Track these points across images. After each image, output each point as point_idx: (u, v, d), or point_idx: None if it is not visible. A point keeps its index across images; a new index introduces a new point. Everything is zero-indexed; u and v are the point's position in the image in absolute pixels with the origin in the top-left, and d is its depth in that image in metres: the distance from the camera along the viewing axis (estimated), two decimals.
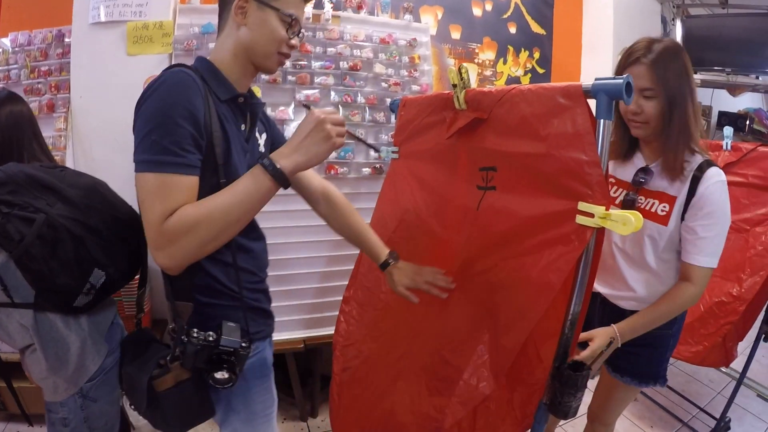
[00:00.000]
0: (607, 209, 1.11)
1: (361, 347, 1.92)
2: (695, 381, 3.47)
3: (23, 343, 1.41)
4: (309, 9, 2.61)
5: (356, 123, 2.73)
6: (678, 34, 4.11)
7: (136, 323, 1.55)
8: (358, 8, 2.90)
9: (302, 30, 1.32)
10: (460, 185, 1.60)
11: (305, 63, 2.62)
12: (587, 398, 1.56)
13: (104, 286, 1.42)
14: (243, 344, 1.22)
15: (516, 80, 3.81)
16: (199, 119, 1.09)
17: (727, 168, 2.73)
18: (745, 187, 2.69)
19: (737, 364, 2.84)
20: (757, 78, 4.08)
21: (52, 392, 1.46)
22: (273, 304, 1.48)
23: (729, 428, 2.85)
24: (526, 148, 1.33)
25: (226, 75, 1.24)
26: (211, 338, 1.18)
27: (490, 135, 1.47)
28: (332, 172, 2.67)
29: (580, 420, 2.11)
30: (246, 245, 1.31)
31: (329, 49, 2.70)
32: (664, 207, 1.57)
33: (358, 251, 2.05)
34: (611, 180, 1.73)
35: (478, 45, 3.60)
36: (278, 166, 1.10)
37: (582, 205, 1.15)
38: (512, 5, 3.70)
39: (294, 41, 1.28)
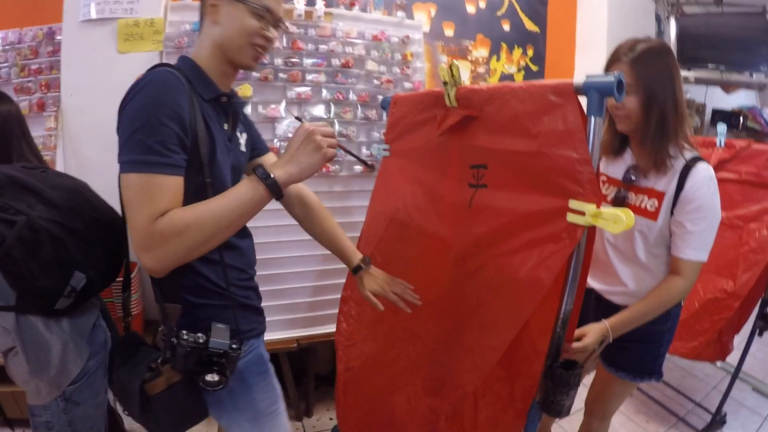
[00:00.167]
0: (598, 207, 1.11)
1: (362, 347, 1.93)
2: (691, 376, 3.47)
3: (5, 346, 1.40)
4: (301, 6, 2.59)
5: (348, 120, 2.72)
6: (672, 32, 4.11)
7: (124, 327, 1.54)
8: (351, 5, 2.88)
9: (282, 22, 1.31)
10: (451, 183, 1.60)
11: (297, 60, 2.60)
12: (583, 393, 1.56)
13: (85, 288, 1.41)
14: (233, 345, 1.21)
15: (509, 77, 3.79)
16: (184, 119, 1.08)
17: (720, 165, 2.74)
18: (738, 184, 2.70)
19: (732, 358, 2.85)
20: (751, 76, 4.10)
21: (34, 395, 1.45)
22: (265, 304, 1.48)
23: (725, 422, 2.86)
24: (516, 145, 1.32)
25: (209, 73, 1.24)
26: (200, 340, 1.17)
27: (481, 132, 1.46)
28: (324, 170, 2.65)
29: (577, 415, 2.11)
30: (233, 243, 1.30)
31: (321, 47, 2.67)
32: (653, 203, 1.59)
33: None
34: (602, 178, 1.75)
35: (472, 42, 3.58)
36: (273, 177, 1.10)
37: (573, 203, 1.15)
38: (506, 2, 3.68)
39: (270, 33, 1.26)
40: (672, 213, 1.55)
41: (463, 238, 1.52)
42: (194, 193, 1.11)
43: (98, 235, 1.43)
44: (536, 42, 3.89)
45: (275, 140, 2.55)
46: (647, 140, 1.56)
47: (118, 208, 1.57)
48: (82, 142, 2.54)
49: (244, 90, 2.43)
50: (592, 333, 1.50)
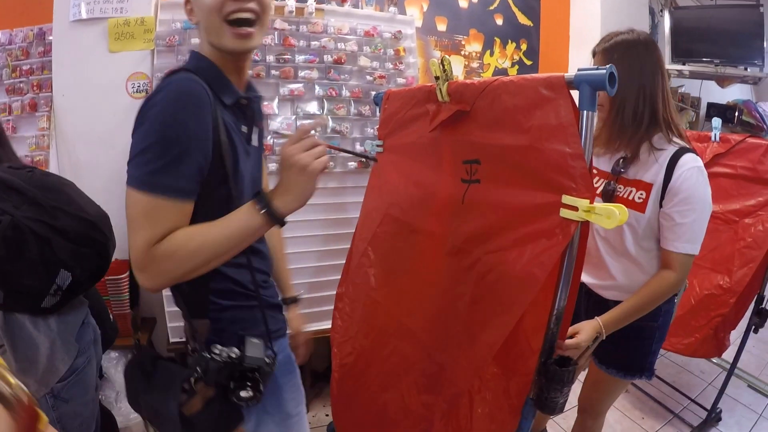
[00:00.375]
0: (591, 202, 1.09)
1: (355, 344, 1.92)
2: (686, 372, 3.48)
3: None
4: (292, 3, 2.58)
5: (341, 117, 2.71)
6: (666, 25, 4.11)
7: (135, 344, 1.51)
8: (342, 1, 2.87)
9: None
10: (444, 178, 1.59)
11: (289, 57, 2.59)
12: (577, 389, 1.55)
13: (71, 286, 1.40)
14: (267, 361, 1.18)
15: (503, 72, 3.77)
16: (205, 138, 1.04)
17: (715, 159, 2.74)
18: (733, 179, 2.70)
19: (728, 355, 2.85)
20: (746, 69, 4.09)
21: None
22: None
23: (720, 419, 2.86)
24: (509, 140, 1.31)
25: (225, 71, 1.17)
26: (234, 355, 1.15)
27: (473, 127, 1.45)
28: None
29: (572, 411, 2.11)
30: (258, 248, 1.30)
31: (313, 43, 2.66)
32: (641, 194, 1.59)
33: (348, 246, 2.04)
34: (593, 170, 1.74)
35: (465, 37, 3.57)
36: (273, 208, 1.04)
37: (566, 199, 1.14)
38: None
39: None
40: (660, 205, 1.55)
41: (457, 233, 1.51)
42: (218, 206, 1.08)
43: (84, 233, 1.42)
44: (530, 36, 3.88)
45: (269, 137, 2.53)
46: (615, 130, 1.59)
47: (108, 207, 1.57)
48: (75, 142, 2.53)
49: None
50: (585, 330, 1.49)
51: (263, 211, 1.04)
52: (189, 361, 1.24)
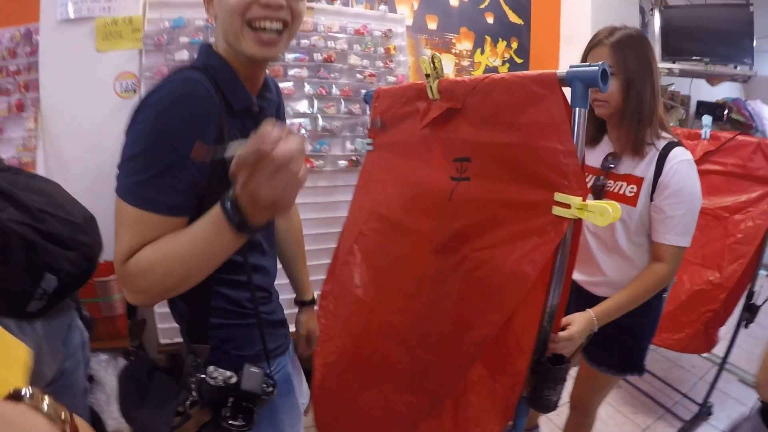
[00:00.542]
0: (584, 200, 1.09)
1: (337, 342, 1.90)
2: (678, 367, 3.49)
3: None
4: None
5: (331, 115, 2.70)
6: (656, 24, 4.12)
7: (132, 352, 1.46)
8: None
9: None
10: (434, 176, 1.58)
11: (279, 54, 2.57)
12: (569, 385, 1.55)
13: (57, 290, 1.38)
14: (266, 390, 1.12)
15: (494, 70, 3.77)
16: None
17: (706, 157, 2.75)
18: (724, 176, 2.71)
19: (719, 349, 2.86)
20: (736, 68, 4.11)
21: None
22: None
23: (711, 413, 2.87)
24: (500, 138, 1.30)
25: (239, 75, 1.06)
26: (231, 381, 1.09)
27: (464, 125, 1.44)
28: (308, 165, 2.62)
29: (564, 407, 2.11)
30: (259, 264, 1.19)
31: (303, 41, 2.65)
32: (632, 188, 1.60)
33: (334, 245, 2.02)
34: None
35: (455, 35, 3.56)
36: (242, 218, 0.85)
37: (558, 196, 1.13)
38: None
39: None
40: (651, 199, 1.56)
41: (443, 231, 1.50)
42: None
43: (70, 237, 1.40)
44: (520, 34, 3.87)
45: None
46: (625, 125, 1.58)
47: (96, 208, 1.55)
48: (63, 143, 2.49)
49: None
50: (577, 322, 1.48)
51: (236, 223, 0.85)
52: (183, 379, 1.18)
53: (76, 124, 2.47)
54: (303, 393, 1.52)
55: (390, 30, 2.87)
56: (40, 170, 2.43)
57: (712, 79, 4.44)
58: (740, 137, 2.71)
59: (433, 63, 1.47)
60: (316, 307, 1.64)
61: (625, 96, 1.55)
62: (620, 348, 1.76)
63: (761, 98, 4.58)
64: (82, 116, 2.46)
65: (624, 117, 1.58)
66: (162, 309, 2.37)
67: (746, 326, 2.62)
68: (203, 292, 1.06)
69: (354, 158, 2.72)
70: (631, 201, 1.59)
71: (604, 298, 1.62)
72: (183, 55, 2.41)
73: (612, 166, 1.65)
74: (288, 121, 2.61)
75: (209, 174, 0.96)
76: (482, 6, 3.64)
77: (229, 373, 1.10)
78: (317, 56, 2.65)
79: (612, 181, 1.65)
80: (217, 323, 1.14)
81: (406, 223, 1.68)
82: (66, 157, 2.50)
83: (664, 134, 1.58)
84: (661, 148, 1.54)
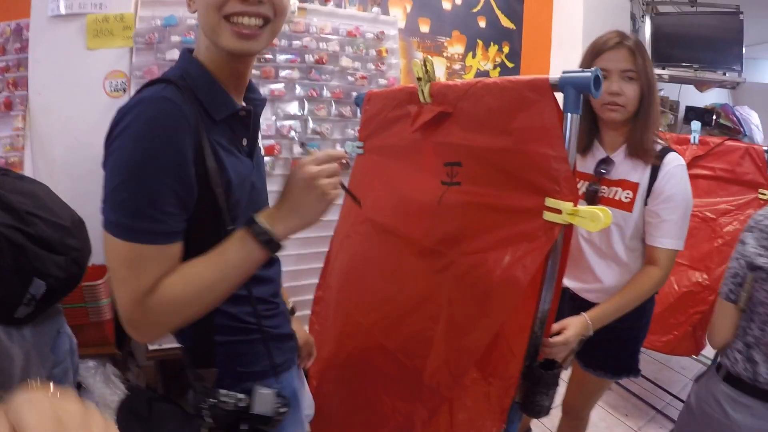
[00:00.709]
0: (575, 205, 1.09)
1: (330, 348, 1.89)
2: (667, 369, 3.52)
3: None
4: None
5: (322, 117, 2.69)
6: (647, 30, 4.15)
7: (127, 385, 1.40)
8: (325, 0, 2.84)
9: None
10: (424, 180, 1.57)
11: (270, 56, 2.56)
12: (561, 389, 1.55)
13: (45, 296, 1.35)
14: (279, 410, 1.10)
15: (485, 74, 3.78)
16: (186, 167, 0.88)
17: (694, 161, 2.77)
18: (712, 180, 2.75)
19: (708, 350, 2.86)
20: (724, 74, 4.15)
21: None
22: None
23: None
24: (491, 142, 1.30)
25: (219, 78, 1.01)
26: (242, 404, 1.07)
27: (455, 129, 1.43)
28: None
29: (555, 411, 2.12)
30: (262, 275, 1.14)
31: (294, 42, 2.63)
32: (628, 194, 1.60)
33: (326, 249, 2.01)
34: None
35: (447, 39, 3.57)
36: (272, 236, 0.92)
37: (549, 201, 1.13)
38: None
39: None
40: (646, 203, 1.57)
41: (433, 235, 1.49)
42: (213, 243, 0.93)
43: (59, 240, 1.38)
44: (512, 39, 3.89)
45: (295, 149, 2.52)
46: (635, 129, 1.59)
47: (84, 211, 1.52)
48: (51, 142, 2.46)
49: None
50: (572, 326, 1.48)
51: (268, 241, 0.92)
52: (194, 406, 1.14)
53: (64, 123, 2.44)
54: (308, 404, 1.50)
55: (382, 32, 2.87)
56: (28, 170, 2.40)
57: (701, 86, 4.47)
58: (728, 142, 2.74)
59: (425, 67, 1.46)
60: (299, 313, 1.61)
61: (647, 101, 1.56)
62: (615, 352, 1.77)
63: (749, 104, 4.63)
64: (71, 116, 2.43)
65: (635, 122, 1.58)
66: None
67: None
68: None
69: (344, 161, 2.70)
70: (627, 207, 1.60)
71: (597, 305, 1.63)
72: (174, 54, 2.39)
73: (604, 171, 1.65)
74: (279, 123, 2.60)
75: (196, 193, 0.92)
76: (475, 10, 3.64)
77: (240, 396, 1.07)
78: (309, 58, 2.64)
79: (605, 187, 1.65)
80: (222, 340, 1.10)
81: (395, 226, 1.67)
82: (54, 158, 2.46)
83: (657, 139, 1.60)
84: (655, 154, 1.56)
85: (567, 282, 1.80)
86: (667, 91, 4.75)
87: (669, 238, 1.53)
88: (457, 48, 3.61)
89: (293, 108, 2.64)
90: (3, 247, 1.25)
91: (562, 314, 1.74)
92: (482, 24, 3.71)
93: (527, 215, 1.19)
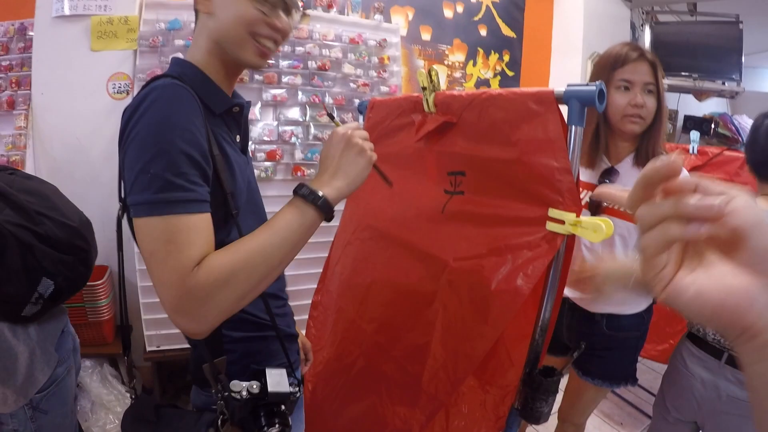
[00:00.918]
0: (578, 216, 1.10)
1: (326, 353, 1.89)
2: None
3: None
4: None
5: (323, 124, 2.71)
6: (647, 39, 4.17)
7: (132, 393, 1.39)
8: (329, 7, 2.86)
9: (295, 6, 1.09)
10: (427, 189, 1.58)
11: (273, 62, 2.58)
12: (558, 397, 1.57)
13: (53, 295, 1.37)
14: (294, 391, 1.09)
15: (485, 82, 3.81)
16: (203, 143, 0.91)
17: (693, 171, 2.78)
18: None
19: None
20: (723, 84, 4.17)
21: (1, 404, 1.41)
22: None
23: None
24: (496, 153, 1.31)
25: (214, 79, 1.06)
26: (255, 390, 1.05)
27: (459, 139, 1.44)
28: (299, 173, 2.62)
29: (551, 419, 2.12)
30: None
31: (298, 48, 2.66)
32: None
33: (326, 254, 2.02)
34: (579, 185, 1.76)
35: (448, 47, 3.59)
36: (321, 195, 0.93)
37: (552, 212, 1.14)
38: (483, 7, 3.70)
39: (278, 21, 1.04)
40: None
41: (437, 243, 1.50)
42: (217, 229, 0.92)
43: (68, 240, 1.39)
44: (512, 47, 3.91)
45: (250, 143, 2.51)
46: (649, 139, 1.62)
47: (89, 212, 1.53)
48: (53, 142, 2.48)
49: None
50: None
51: (320, 201, 0.92)
52: (194, 400, 1.16)
53: (67, 123, 2.46)
54: None
55: (384, 40, 2.89)
56: (29, 169, 2.41)
57: (700, 95, 4.49)
58: (727, 152, 2.75)
59: (430, 76, 1.47)
60: (297, 318, 1.62)
61: (659, 113, 1.60)
62: (614, 361, 1.78)
63: (747, 113, 4.64)
64: (74, 116, 2.45)
65: (647, 132, 1.62)
66: (149, 315, 2.35)
67: None
68: None
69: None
70: (631, 217, 1.59)
71: (600, 314, 1.66)
72: None
73: (606, 181, 1.66)
74: (280, 128, 2.61)
75: (213, 163, 0.95)
76: (476, 18, 3.67)
77: (252, 383, 1.06)
78: (312, 64, 2.66)
79: None
80: (233, 336, 1.11)
81: (396, 233, 1.68)
82: (56, 158, 2.49)
83: (664, 150, 1.63)
84: None
85: (567, 291, 1.78)
86: (666, 100, 4.75)
87: None
88: (458, 56, 3.63)
89: (295, 113, 2.66)
90: (12, 246, 1.26)
91: (560, 324, 1.80)
92: (483, 32, 3.73)
93: (530, 225, 1.19)
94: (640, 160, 1.62)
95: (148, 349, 2.42)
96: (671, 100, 4.81)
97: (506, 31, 3.84)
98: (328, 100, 2.71)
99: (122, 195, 0.97)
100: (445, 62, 3.60)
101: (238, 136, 1.15)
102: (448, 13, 3.54)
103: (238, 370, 1.11)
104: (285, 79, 2.62)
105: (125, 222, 1.00)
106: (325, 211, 0.94)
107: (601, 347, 1.58)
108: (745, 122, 4.45)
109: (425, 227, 1.55)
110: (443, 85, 3.55)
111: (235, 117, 1.13)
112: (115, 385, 2.39)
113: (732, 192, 0.41)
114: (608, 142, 1.70)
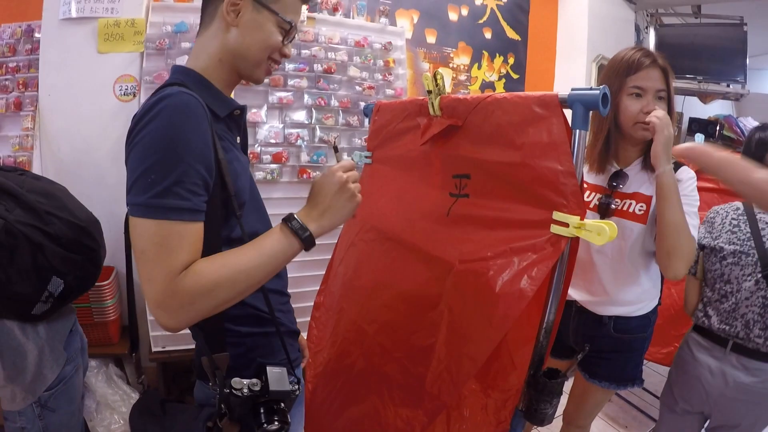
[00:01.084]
0: (582, 219, 1.10)
1: (327, 354, 1.90)
2: None
3: None
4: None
5: (329, 126, 2.72)
6: (651, 42, 4.16)
7: (141, 387, 1.41)
8: (334, 10, 2.87)
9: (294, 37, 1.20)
10: (432, 191, 1.58)
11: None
12: (563, 400, 1.57)
13: (62, 294, 1.39)
14: (294, 389, 1.13)
15: (490, 85, 3.82)
16: (208, 153, 0.95)
17: (698, 174, 2.76)
18: (716, 193, 2.76)
19: None
20: (728, 86, 4.15)
21: (9, 401, 1.43)
22: None
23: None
24: (500, 156, 1.31)
25: (216, 85, 1.12)
26: (255, 387, 1.08)
27: (464, 142, 1.45)
28: (305, 176, 2.63)
29: (556, 421, 2.12)
30: None
31: (303, 51, 2.67)
32: (642, 206, 1.62)
33: (329, 256, 2.03)
34: (584, 185, 1.75)
35: (453, 49, 3.60)
36: (308, 232, 1.02)
37: (557, 215, 1.14)
38: (488, 10, 3.70)
39: (287, 50, 1.15)
40: None
41: (441, 245, 1.50)
42: (224, 229, 1.02)
43: (77, 240, 1.41)
44: (517, 50, 3.92)
45: (256, 145, 2.53)
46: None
47: (95, 213, 1.55)
48: (60, 143, 2.49)
49: None
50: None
51: (305, 236, 1.02)
52: (198, 395, 1.19)
53: (73, 125, 2.47)
54: None
55: (390, 43, 2.90)
56: (36, 171, 2.43)
57: (705, 97, 4.49)
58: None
59: (436, 80, 1.48)
60: (299, 319, 1.64)
61: (672, 117, 1.60)
62: (621, 363, 1.78)
63: (752, 115, 4.63)
64: (80, 118, 2.46)
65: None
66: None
67: None
68: None
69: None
70: (641, 219, 1.62)
71: (607, 317, 1.67)
72: (183, 61, 2.42)
73: (616, 185, 1.67)
74: (286, 131, 2.62)
75: (215, 174, 0.99)
76: (481, 21, 3.68)
77: (254, 381, 1.10)
78: (317, 67, 2.67)
79: (618, 200, 1.67)
80: (239, 331, 1.14)
81: (401, 236, 1.68)
82: (62, 159, 2.50)
83: None
84: None
85: (575, 295, 1.81)
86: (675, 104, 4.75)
87: None
88: (462, 59, 3.64)
89: (301, 116, 2.67)
90: (23, 246, 1.27)
91: (566, 328, 1.80)
92: (488, 35, 3.74)
93: (535, 228, 1.20)
94: (649, 165, 1.61)
95: (154, 349, 2.42)
96: (676, 103, 4.80)
97: (511, 33, 3.84)
98: (334, 102, 2.72)
99: None
100: (450, 65, 3.61)
101: (238, 138, 1.21)
102: (452, 16, 3.54)
103: (244, 363, 1.14)
104: (291, 82, 2.63)
105: None
106: (308, 244, 1.03)
107: (609, 349, 1.59)
108: (750, 124, 4.44)
109: (430, 230, 1.55)
110: (448, 88, 3.56)
111: (236, 119, 1.19)
112: (120, 386, 2.39)
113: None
114: (618, 146, 1.70)
